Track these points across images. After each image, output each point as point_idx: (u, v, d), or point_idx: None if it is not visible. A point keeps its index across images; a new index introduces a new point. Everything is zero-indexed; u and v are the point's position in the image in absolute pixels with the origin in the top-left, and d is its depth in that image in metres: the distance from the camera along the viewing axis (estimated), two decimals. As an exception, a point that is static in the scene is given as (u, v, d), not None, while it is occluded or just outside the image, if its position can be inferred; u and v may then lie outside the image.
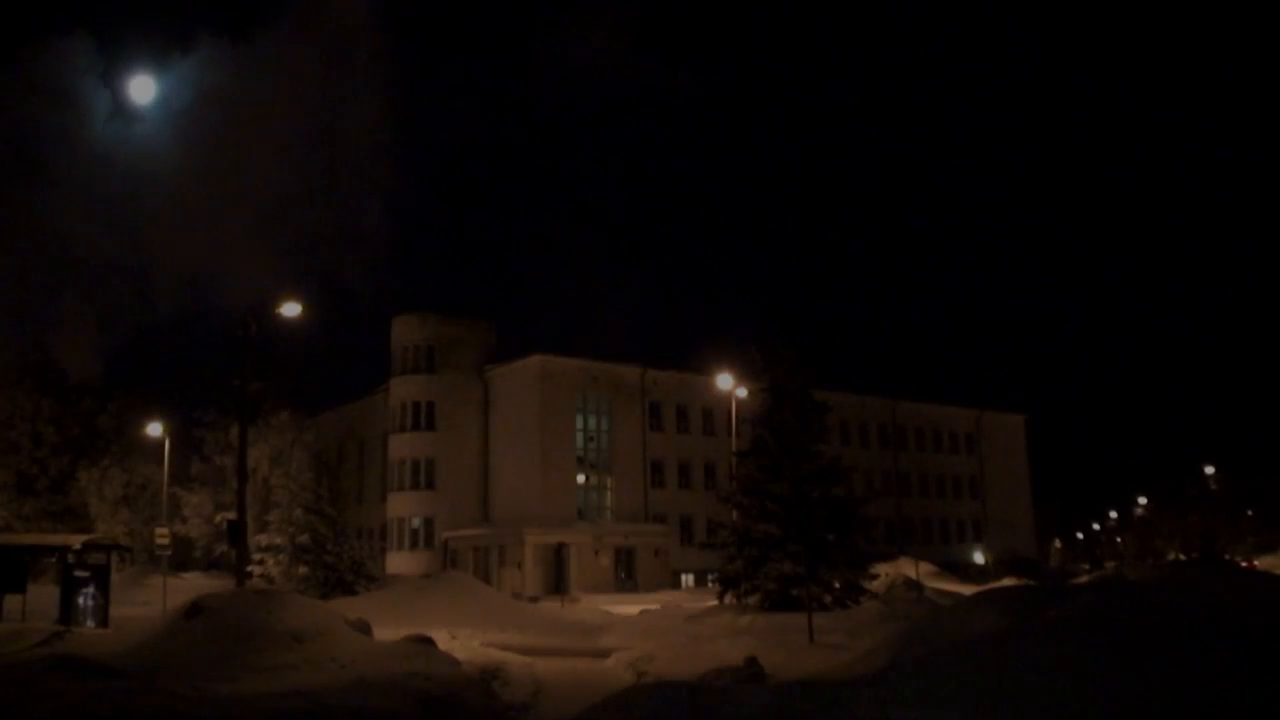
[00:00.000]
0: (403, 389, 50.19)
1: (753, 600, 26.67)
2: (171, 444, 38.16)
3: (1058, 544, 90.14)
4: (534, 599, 38.26)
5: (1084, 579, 27.52)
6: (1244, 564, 49.98)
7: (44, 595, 25.63)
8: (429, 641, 17.99)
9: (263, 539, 36.48)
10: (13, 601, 23.17)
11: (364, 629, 18.33)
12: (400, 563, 47.34)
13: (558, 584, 40.98)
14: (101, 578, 23.10)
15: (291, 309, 23.93)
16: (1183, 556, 61.73)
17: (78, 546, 23.78)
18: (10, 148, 34.12)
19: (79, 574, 23.05)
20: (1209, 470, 72.48)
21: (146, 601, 31.13)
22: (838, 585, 27.13)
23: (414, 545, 48.92)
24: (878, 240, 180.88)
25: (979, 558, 61.32)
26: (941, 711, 7.96)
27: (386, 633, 20.11)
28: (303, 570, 33.70)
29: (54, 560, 25.78)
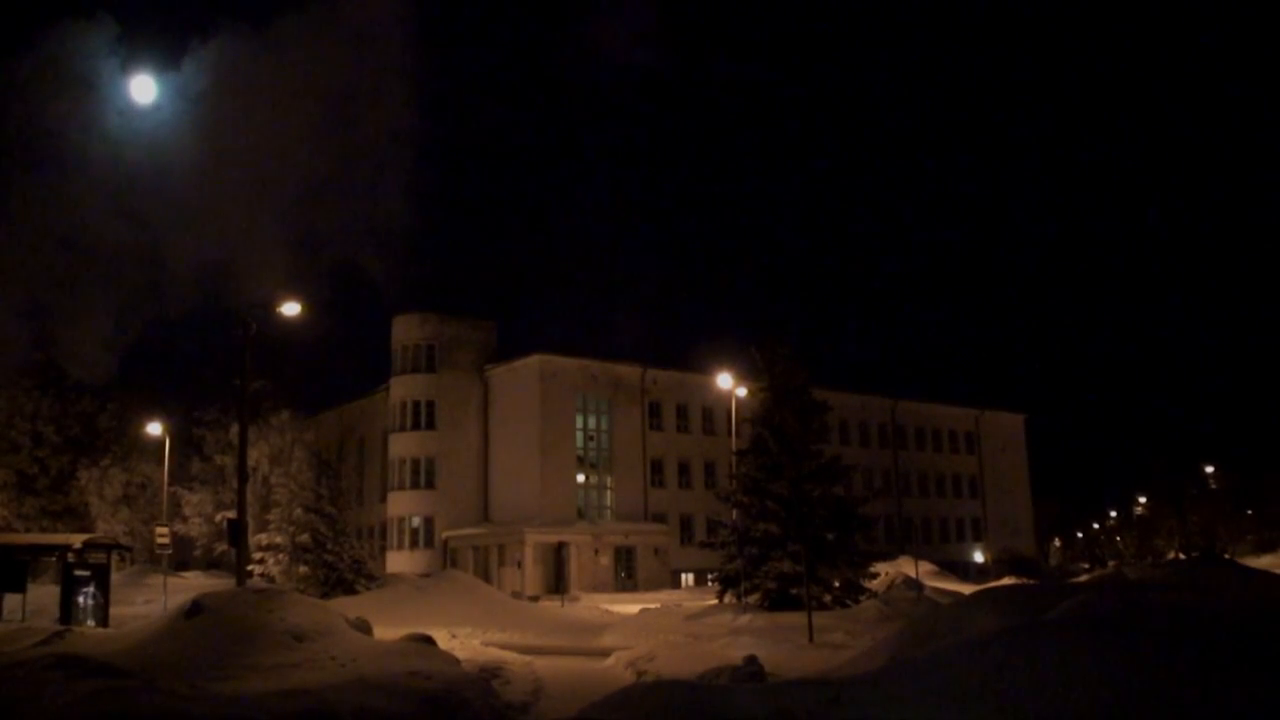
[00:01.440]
0: (403, 388, 50.21)
1: (753, 599, 26.68)
2: (171, 443, 38.16)
3: (1057, 543, 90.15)
4: (534, 598, 38.29)
5: (1084, 578, 27.55)
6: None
7: (44, 595, 25.65)
8: (429, 641, 17.99)
9: (263, 538, 36.44)
10: (13, 601, 23.19)
11: (364, 628, 18.33)
12: (400, 562, 47.35)
13: (558, 583, 41.00)
14: (102, 577, 23.15)
15: (292, 308, 23.89)
16: (1183, 556, 61.71)
17: (78, 546, 23.81)
18: (22, 134, 33.70)
19: (79, 573, 23.09)
20: (1209, 470, 72.45)
21: (147, 601, 31.17)
22: (838, 584, 27.17)
23: (414, 544, 48.95)
24: (878, 240, 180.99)
25: (979, 557, 61.40)
26: (941, 711, 7.97)
27: (387, 632, 20.13)
28: (303, 569, 33.68)
29: (54, 560, 25.79)
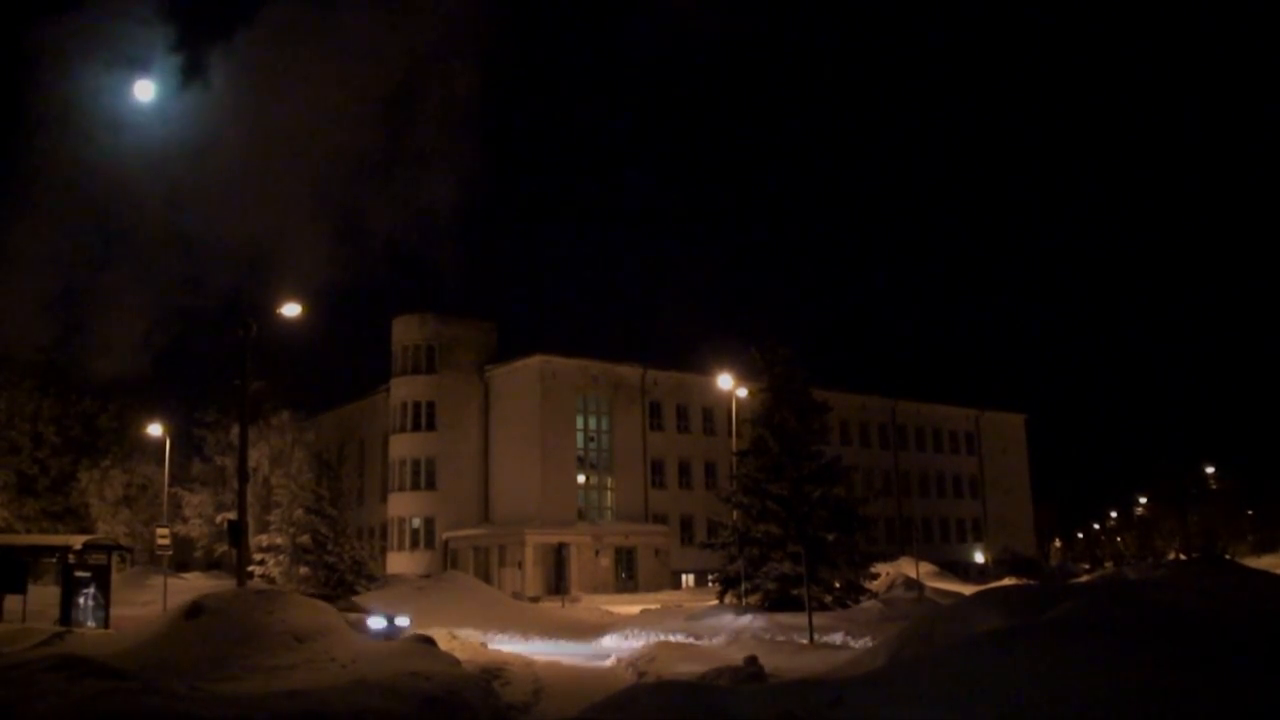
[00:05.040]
0: (403, 389, 50.24)
1: (753, 600, 26.70)
2: (172, 444, 38.17)
3: (1058, 543, 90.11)
4: (534, 599, 38.30)
5: (1084, 579, 27.54)
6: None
7: (45, 596, 25.64)
8: (429, 641, 18.00)
9: (263, 539, 36.50)
10: (13, 602, 23.18)
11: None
12: (401, 563, 47.37)
13: (558, 584, 41.03)
14: (102, 578, 23.13)
15: (292, 309, 23.85)
16: (1183, 556, 61.69)
17: (78, 547, 23.81)
18: (61, 106, 33.34)
19: (80, 574, 23.08)
20: (1209, 470, 72.47)
21: (147, 601, 31.17)
22: (838, 585, 27.19)
23: (414, 545, 48.97)
24: (878, 240, 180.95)
25: (979, 557, 61.40)
26: (941, 712, 7.97)
27: (387, 633, 20.12)
28: (303, 570, 33.75)
29: (54, 561, 25.81)
